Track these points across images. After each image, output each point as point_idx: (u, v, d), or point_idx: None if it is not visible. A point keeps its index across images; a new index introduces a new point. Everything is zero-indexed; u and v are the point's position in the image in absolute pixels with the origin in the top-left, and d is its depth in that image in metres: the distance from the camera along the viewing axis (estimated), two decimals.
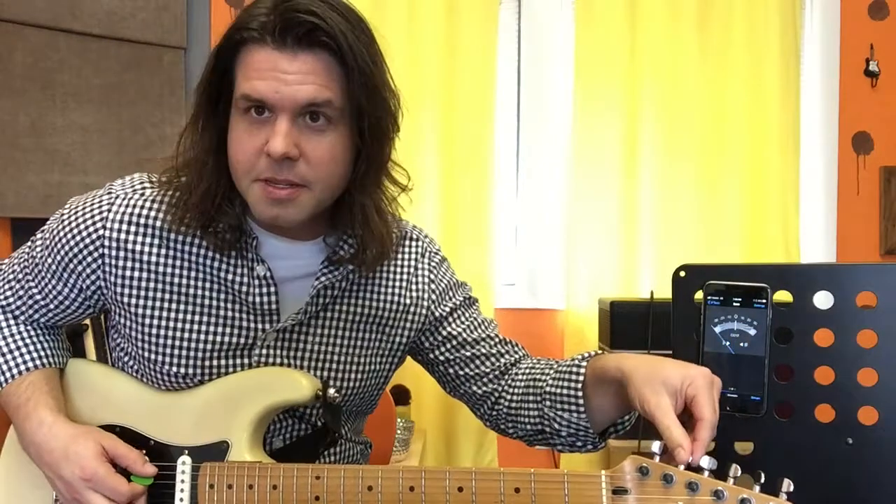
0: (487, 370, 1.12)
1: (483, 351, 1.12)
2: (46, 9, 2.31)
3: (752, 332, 0.95)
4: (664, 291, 1.41)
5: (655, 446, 0.82)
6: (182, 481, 0.99)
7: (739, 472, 0.80)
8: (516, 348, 1.15)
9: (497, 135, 2.67)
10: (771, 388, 0.95)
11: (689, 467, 0.80)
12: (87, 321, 1.86)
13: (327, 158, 0.94)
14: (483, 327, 1.15)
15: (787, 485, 0.78)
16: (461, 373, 1.13)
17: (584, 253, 2.65)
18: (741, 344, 0.95)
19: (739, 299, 0.97)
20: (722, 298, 0.98)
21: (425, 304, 1.12)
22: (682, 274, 1.10)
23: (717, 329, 0.97)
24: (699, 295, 1.00)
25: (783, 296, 1.05)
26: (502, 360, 1.12)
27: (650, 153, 2.65)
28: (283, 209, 0.95)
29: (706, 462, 0.81)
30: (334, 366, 1.08)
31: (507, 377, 1.12)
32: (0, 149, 2.27)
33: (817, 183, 2.77)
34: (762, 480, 0.79)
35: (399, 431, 2.27)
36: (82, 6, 2.36)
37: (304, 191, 0.95)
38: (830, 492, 1.05)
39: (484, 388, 1.12)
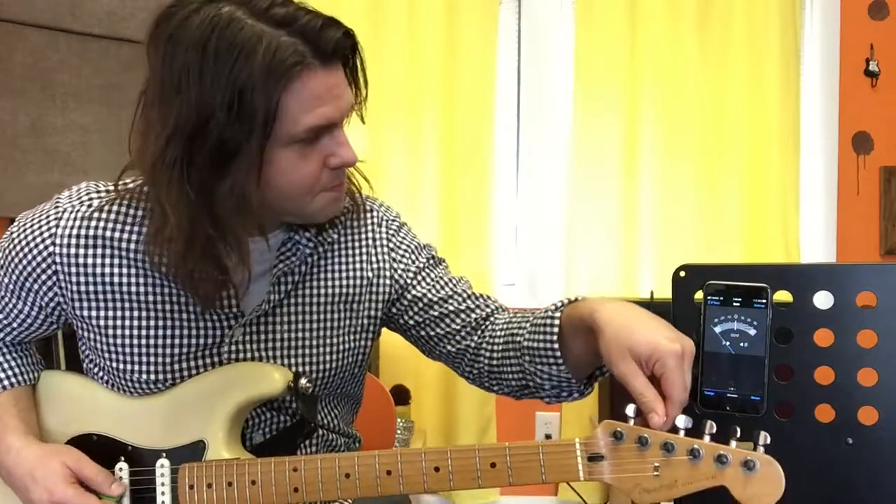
0: (458, 327, 1.10)
1: (451, 308, 1.11)
2: (46, 9, 2.31)
3: (752, 332, 0.95)
4: (664, 291, 1.41)
5: (630, 409, 0.82)
6: (162, 484, 0.98)
7: (715, 429, 0.80)
8: (487, 302, 1.13)
9: (497, 135, 2.68)
10: (771, 388, 0.94)
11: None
12: None
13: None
14: (451, 285, 1.13)
15: (764, 437, 0.79)
16: (433, 333, 1.11)
17: (584, 253, 2.65)
18: (741, 344, 0.95)
19: (739, 299, 0.97)
20: (722, 298, 0.97)
21: (388, 272, 1.12)
22: (682, 274, 1.10)
23: (717, 329, 0.96)
24: (699, 295, 1.00)
25: (783, 296, 1.05)
26: (473, 316, 1.11)
27: (650, 153, 2.65)
28: (341, 202, 1.03)
29: (681, 421, 0.81)
30: (307, 350, 1.06)
31: (481, 332, 1.10)
32: (0, 149, 2.27)
33: (817, 183, 2.77)
34: (737, 436, 0.79)
35: (399, 431, 2.27)
36: (82, 6, 2.36)
37: None
38: (830, 492, 1.05)
39: (458, 346, 1.11)
